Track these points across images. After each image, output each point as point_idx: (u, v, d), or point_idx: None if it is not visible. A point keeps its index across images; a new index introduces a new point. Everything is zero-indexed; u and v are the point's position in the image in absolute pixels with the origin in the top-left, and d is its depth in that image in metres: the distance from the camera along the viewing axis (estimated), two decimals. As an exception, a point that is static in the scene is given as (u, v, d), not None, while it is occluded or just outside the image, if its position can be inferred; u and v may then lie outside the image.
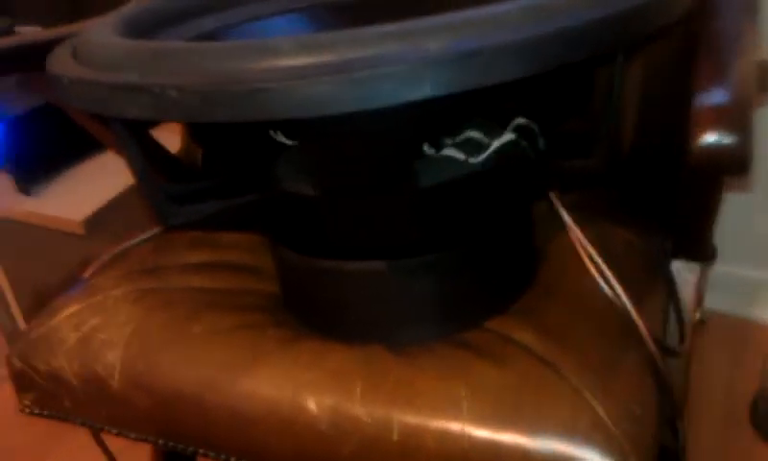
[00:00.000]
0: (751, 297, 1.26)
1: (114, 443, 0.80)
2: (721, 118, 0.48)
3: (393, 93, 0.42)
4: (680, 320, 0.73)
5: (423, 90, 0.41)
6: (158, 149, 0.85)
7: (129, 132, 0.57)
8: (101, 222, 1.11)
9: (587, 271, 0.64)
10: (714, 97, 0.49)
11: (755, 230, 1.21)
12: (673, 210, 0.70)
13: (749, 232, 1.21)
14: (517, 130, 0.63)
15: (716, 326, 1.24)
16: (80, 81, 0.51)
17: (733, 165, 0.48)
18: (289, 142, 0.68)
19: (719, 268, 1.24)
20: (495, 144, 0.61)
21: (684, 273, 0.74)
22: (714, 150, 0.47)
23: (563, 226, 0.65)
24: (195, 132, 0.80)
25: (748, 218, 1.20)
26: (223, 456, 0.67)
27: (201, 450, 0.69)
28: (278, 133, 0.68)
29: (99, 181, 1.16)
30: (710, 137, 0.48)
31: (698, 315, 0.76)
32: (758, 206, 1.19)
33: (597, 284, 0.64)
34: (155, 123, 1.02)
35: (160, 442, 0.70)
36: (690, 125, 0.48)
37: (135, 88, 0.46)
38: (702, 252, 0.71)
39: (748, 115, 0.48)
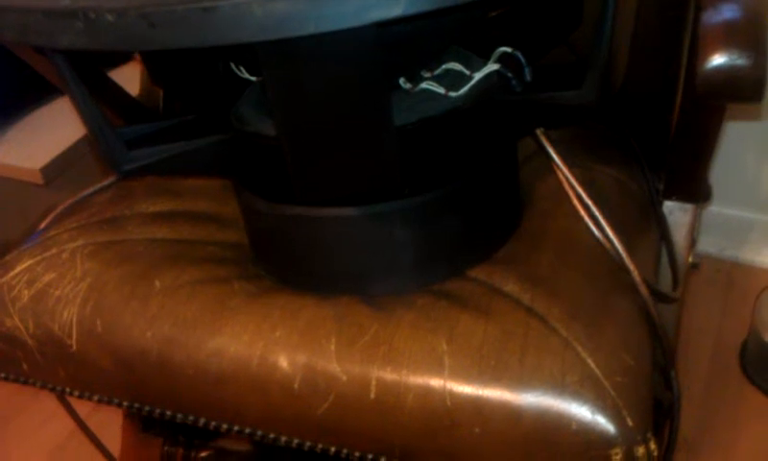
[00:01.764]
0: (739, 238, 1.23)
1: (84, 406, 0.76)
2: (732, 36, 0.43)
3: (361, 12, 0.36)
4: (673, 264, 0.69)
5: (396, 7, 0.36)
6: (116, 90, 0.80)
7: (71, 66, 0.51)
8: (61, 170, 1.05)
9: (575, 213, 0.60)
10: (724, 13, 0.44)
11: (743, 168, 1.18)
12: (667, 147, 0.66)
13: (737, 171, 1.18)
14: (501, 60, 0.58)
15: (704, 268, 1.21)
16: (8, 8, 0.45)
17: (747, 89, 0.43)
18: (253, 78, 0.62)
19: (706, 209, 1.21)
20: (478, 76, 0.56)
21: (677, 214, 0.70)
22: (725, 72, 0.42)
23: (549, 166, 0.61)
24: (154, 71, 0.74)
25: (736, 156, 1.17)
26: (191, 418, 0.63)
27: (168, 412, 0.65)
28: (241, 68, 0.63)
29: (58, 128, 1.10)
30: (721, 58, 0.43)
31: (691, 258, 0.72)
32: (746, 143, 1.15)
33: (586, 227, 0.60)
34: (111, 62, 0.96)
35: (125, 404, 0.66)
36: (697, 45, 0.43)
37: (68, 13, 0.40)
38: (697, 191, 0.67)
39: (763, 32, 0.43)
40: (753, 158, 1.17)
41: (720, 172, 1.16)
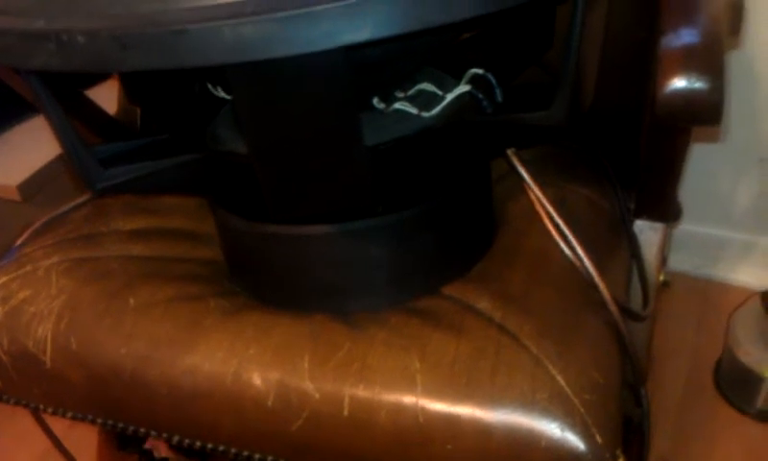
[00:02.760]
0: (713, 256, 1.25)
1: (60, 424, 0.76)
2: (691, 60, 0.44)
3: (329, 36, 0.37)
4: (643, 282, 0.70)
5: (363, 31, 0.37)
6: (93, 109, 0.80)
7: (45, 86, 0.52)
8: (39, 187, 1.04)
9: (547, 232, 0.61)
10: (683, 37, 0.45)
11: (716, 186, 1.20)
12: (636, 166, 0.67)
13: (710, 190, 1.20)
14: (473, 81, 0.59)
15: (678, 286, 1.22)
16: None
17: (705, 113, 0.44)
18: (229, 97, 0.63)
19: (680, 227, 1.23)
20: (450, 97, 0.57)
21: (647, 233, 0.71)
22: (684, 95, 0.43)
23: (522, 185, 0.62)
24: (131, 89, 0.74)
25: (710, 175, 1.18)
26: (165, 435, 0.63)
27: (142, 429, 0.65)
28: (218, 87, 0.63)
29: (36, 145, 1.09)
30: (679, 82, 0.44)
31: (662, 277, 0.73)
32: (720, 162, 1.17)
33: (558, 246, 0.61)
34: (88, 81, 0.96)
35: (99, 421, 0.66)
36: (657, 69, 0.44)
37: (41, 35, 0.41)
38: (666, 210, 0.68)
39: (720, 57, 0.44)
40: (726, 177, 1.19)
41: (694, 191, 1.18)
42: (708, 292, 1.24)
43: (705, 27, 0.46)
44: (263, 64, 0.38)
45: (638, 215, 0.69)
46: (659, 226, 0.70)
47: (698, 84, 0.43)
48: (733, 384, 1.09)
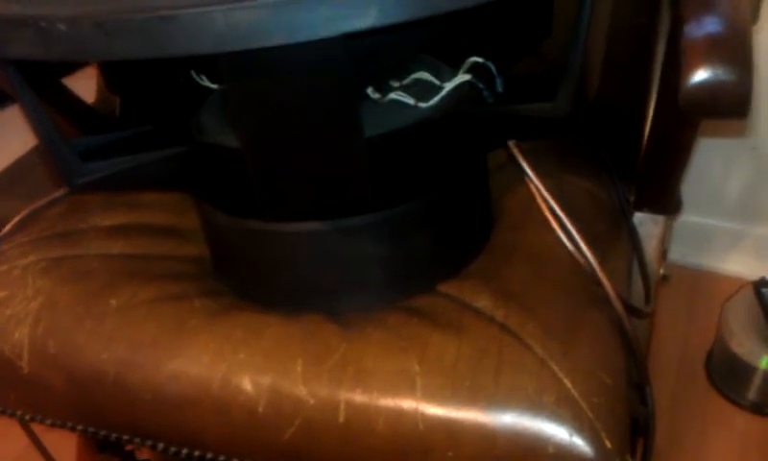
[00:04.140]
0: (703, 245, 1.24)
1: (38, 424, 0.72)
2: (717, 50, 0.41)
3: (330, 23, 0.34)
4: (644, 277, 0.68)
5: (366, 19, 0.34)
6: (70, 98, 0.76)
7: (22, 76, 0.48)
8: (10, 181, 1.00)
9: (546, 225, 0.59)
10: (707, 26, 0.43)
11: (707, 175, 1.18)
12: (637, 157, 0.65)
13: (701, 178, 1.19)
14: (472, 70, 0.56)
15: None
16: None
17: (732, 106, 0.42)
18: (214, 86, 0.60)
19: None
20: (449, 86, 0.54)
21: (648, 225, 0.69)
22: (709, 88, 0.41)
23: (520, 177, 0.59)
24: (110, 77, 0.71)
25: (699, 163, 1.17)
26: (149, 442, 0.61)
27: (125, 437, 0.62)
28: (202, 76, 0.60)
29: (8, 136, 1.05)
30: (704, 73, 0.41)
31: (661, 271, 0.71)
32: (711, 150, 1.16)
33: (558, 240, 0.58)
34: (66, 69, 0.92)
35: (80, 428, 0.63)
36: (679, 59, 0.42)
37: (18, 22, 0.38)
38: (668, 203, 0.66)
39: (747, 47, 0.42)
40: (716, 165, 1.18)
41: (685, 178, 1.17)
42: (698, 281, 1.24)
43: (728, 15, 0.43)
44: (257, 53, 0.36)
45: (639, 207, 0.67)
46: (659, 218, 0.68)
47: (724, 76, 0.41)
48: (726, 375, 1.08)
